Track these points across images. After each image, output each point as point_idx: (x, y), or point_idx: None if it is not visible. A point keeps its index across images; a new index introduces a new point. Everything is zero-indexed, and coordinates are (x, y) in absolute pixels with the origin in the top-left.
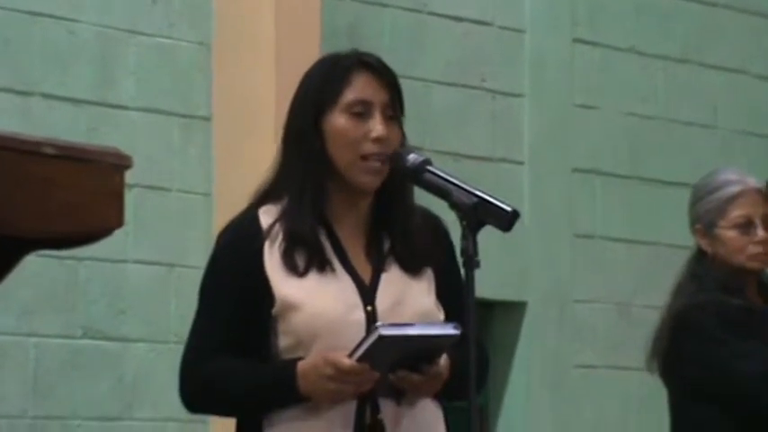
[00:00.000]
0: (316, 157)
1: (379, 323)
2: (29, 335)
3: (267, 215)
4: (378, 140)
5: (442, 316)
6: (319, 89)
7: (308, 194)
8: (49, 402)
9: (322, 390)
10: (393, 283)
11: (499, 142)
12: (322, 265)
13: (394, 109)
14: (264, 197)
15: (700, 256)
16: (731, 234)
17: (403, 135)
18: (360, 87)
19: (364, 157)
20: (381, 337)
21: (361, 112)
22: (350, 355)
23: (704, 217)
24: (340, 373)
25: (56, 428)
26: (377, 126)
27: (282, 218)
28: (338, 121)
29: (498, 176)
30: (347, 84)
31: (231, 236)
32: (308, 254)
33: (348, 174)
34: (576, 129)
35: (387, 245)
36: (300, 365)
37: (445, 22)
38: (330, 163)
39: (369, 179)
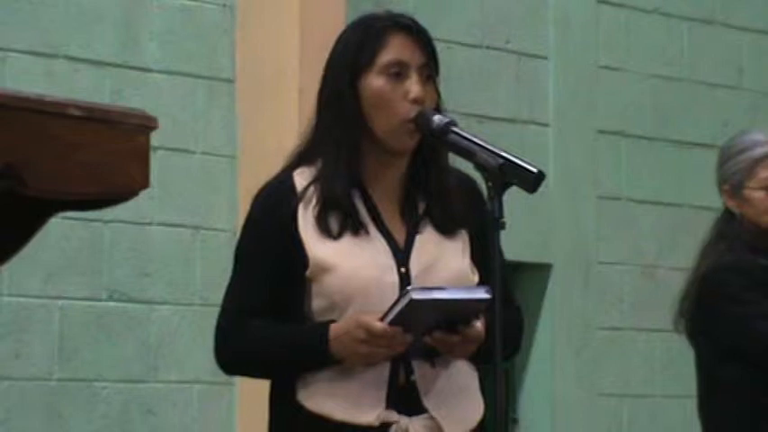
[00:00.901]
0: (351, 120)
1: (410, 287)
2: (54, 297)
3: (302, 177)
4: (415, 101)
5: (476, 278)
6: (355, 51)
7: (343, 157)
8: (74, 365)
9: (354, 353)
10: (427, 244)
11: (524, 104)
12: (356, 228)
13: (430, 69)
14: (299, 159)
15: (727, 216)
16: (759, 195)
17: (438, 95)
18: (396, 48)
19: (402, 120)
20: (412, 301)
21: (397, 72)
22: (382, 319)
23: (732, 178)
24: (372, 337)
25: (81, 391)
26: (414, 86)
27: (317, 180)
28: (375, 82)
29: (523, 138)
30: (383, 45)
31: (265, 198)
32: (342, 217)
33: (385, 135)
34: (601, 90)
35: (422, 207)
36: (333, 328)
37: None
38: (366, 125)
39: (405, 140)
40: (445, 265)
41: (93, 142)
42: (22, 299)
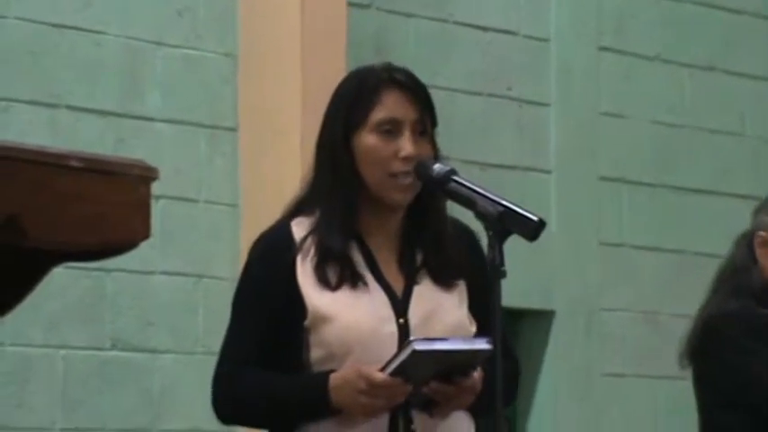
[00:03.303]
0: (346, 174)
1: (412, 338)
2: (57, 347)
3: (300, 227)
4: (407, 159)
5: (473, 329)
6: (349, 107)
7: (339, 209)
8: (77, 414)
9: (354, 403)
10: (425, 295)
11: (526, 151)
12: (354, 279)
13: (424, 124)
14: (297, 210)
15: (750, 258)
16: None
17: (435, 149)
18: (389, 106)
19: (393, 175)
20: (415, 352)
21: (390, 129)
22: (382, 369)
23: None
24: (372, 387)
25: None
26: (406, 145)
27: (314, 231)
28: (368, 139)
29: (525, 185)
30: (377, 102)
31: (264, 248)
32: (339, 268)
33: (378, 191)
34: (603, 137)
35: (419, 257)
36: (333, 378)
37: (470, 31)
38: (361, 179)
39: (399, 196)
40: (443, 316)
41: (93, 193)
42: (24, 348)
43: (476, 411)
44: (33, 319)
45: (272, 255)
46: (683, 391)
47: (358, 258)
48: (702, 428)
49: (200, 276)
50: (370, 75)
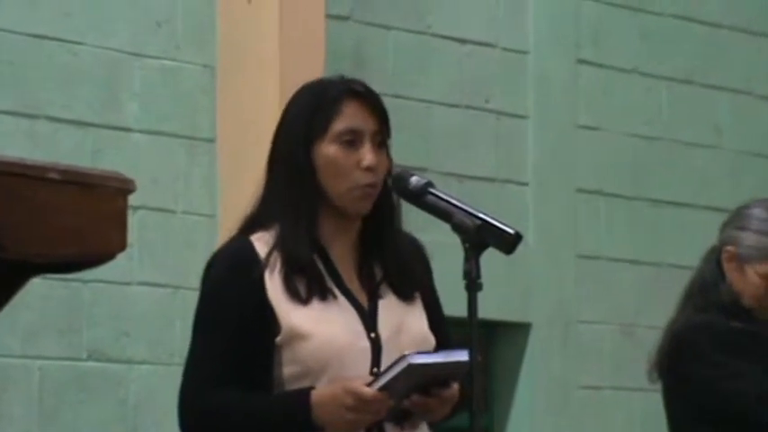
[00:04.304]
0: (306, 186)
1: (406, 352)
2: (34, 357)
3: (261, 243)
4: (368, 169)
5: (434, 341)
6: (308, 118)
7: (303, 221)
8: (54, 425)
9: (339, 420)
10: (391, 309)
11: (503, 163)
12: (323, 292)
13: (382, 135)
14: (252, 225)
15: (718, 273)
16: (758, 281)
17: (390, 159)
18: (349, 117)
19: (356, 186)
20: (410, 366)
21: (351, 140)
22: (370, 384)
23: (744, 250)
24: (361, 403)
25: None
26: (367, 155)
27: (278, 245)
28: (328, 150)
29: (502, 197)
30: (337, 113)
31: (229, 264)
32: (307, 281)
33: (340, 201)
34: (580, 150)
35: (378, 271)
36: (315, 395)
37: (449, 43)
38: (321, 190)
39: (360, 205)
40: (410, 330)
41: (71, 205)
42: (0, 359)
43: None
44: (10, 330)
45: (238, 271)
46: (659, 404)
47: (322, 270)
48: None
49: (177, 287)
50: (327, 87)
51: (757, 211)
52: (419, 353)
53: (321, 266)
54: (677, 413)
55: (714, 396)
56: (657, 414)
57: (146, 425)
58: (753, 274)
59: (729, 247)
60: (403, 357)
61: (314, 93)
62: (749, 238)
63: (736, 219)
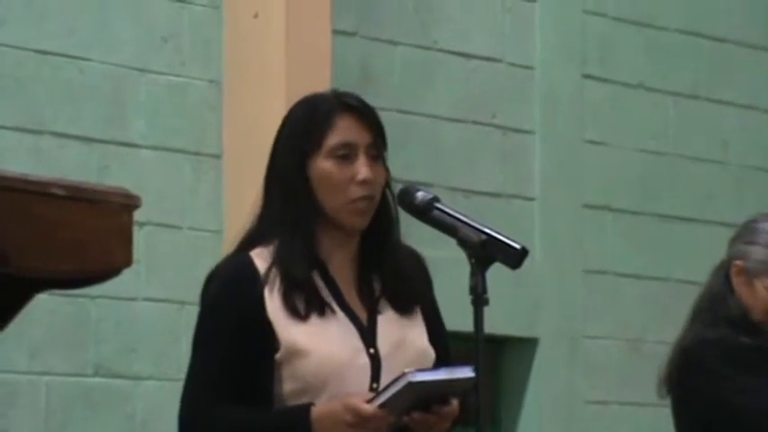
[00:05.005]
0: (303, 201)
1: (407, 370)
2: (40, 373)
3: (260, 259)
4: (364, 183)
5: (434, 355)
6: (302, 134)
7: (300, 237)
8: None
9: None
10: (390, 325)
11: (510, 178)
12: (322, 308)
13: (377, 148)
14: (251, 241)
15: (727, 287)
16: (765, 294)
17: (388, 172)
18: (343, 131)
19: (352, 200)
20: (411, 384)
21: (345, 154)
22: (371, 401)
23: (753, 264)
24: (361, 420)
25: None
26: (362, 168)
27: (277, 262)
28: (323, 165)
29: (509, 213)
30: (330, 127)
31: (227, 280)
32: (306, 297)
33: (336, 216)
34: (587, 165)
35: (378, 286)
36: (315, 411)
37: (455, 58)
38: (318, 205)
39: (357, 220)
40: (410, 345)
41: (75, 221)
42: (7, 375)
43: None
44: (17, 346)
45: (238, 287)
46: (665, 419)
47: (321, 286)
48: None
49: (183, 303)
50: (320, 102)
51: (766, 225)
52: (419, 370)
53: (320, 282)
54: (686, 428)
55: (722, 411)
56: (663, 429)
57: None
58: (761, 288)
59: (738, 262)
60: (403, 375)
61: (307, 108)
62: (758, 253)
63: (745, 233)
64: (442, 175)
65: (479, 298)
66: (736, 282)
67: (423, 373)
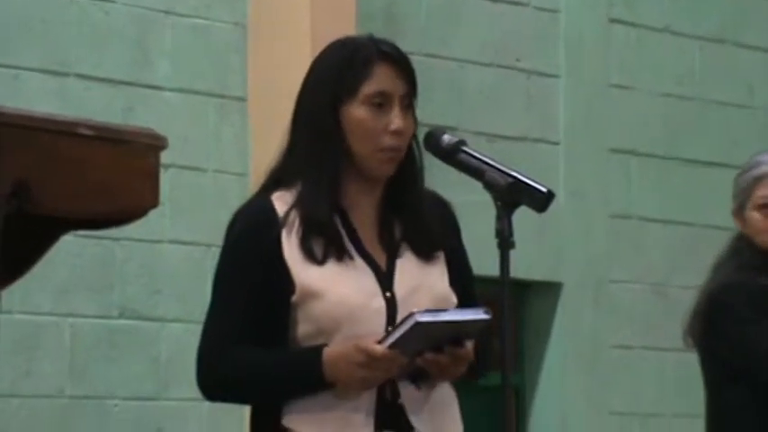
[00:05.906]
0: (332, 144)
1: (415, 310)
2: (65, 315)
3: (281, 201)
4: (396, 133)
5: (455, 300)
6: (337, 78)
7: (325, 181)
8: (85, 382)
9: (351, 377)
10: (408, 269)
11: (534, 122)
12: (340, 253)
13: (410, 98)
14: (275, 182)
15: (740, 235)
16: (755, 215)
17: (415, 122)
18: (380, 79)
19: (383, 149)
20: (417, 324)
21: (380, 103)
22: (380, 342)
23: (738, 197)
24: (372, 360)
25: (92, 408)
26: (395, 119)
27: (298, 205)
28: (358, 112)
29: (533, 157)
30: (368, 75)
31: (247, 223)
32: (325, 241)
33: (365, 163)
34: (612, 109)
35: (399, 231)
36: (327, 352)
37: (481, 2)
38: (346, 150)
39: (385, 167)
40: (428, 289)
41: (102, 161)
42: (32, 316)
43: (469, 376)
44: (41, 288)
45: (256, 230)
46: (690, 364)
47: (342, 232)
48: (709, 402)
49: (208, 245)
50: (359, 46)
51: (753, 159)
52: (428, 311)
53: (341, 227)
54: (712, 374)
55: (746, 354)
56: (688, 374)
57: (176, 382)
58: (749, 212)
59: (733, 206)
60: (411, 315)
61: (344, 52)
62: (738, 185)
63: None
64: (467, 118)
65: (506, 241)
66: (738, 223)
67: (431, 314)
